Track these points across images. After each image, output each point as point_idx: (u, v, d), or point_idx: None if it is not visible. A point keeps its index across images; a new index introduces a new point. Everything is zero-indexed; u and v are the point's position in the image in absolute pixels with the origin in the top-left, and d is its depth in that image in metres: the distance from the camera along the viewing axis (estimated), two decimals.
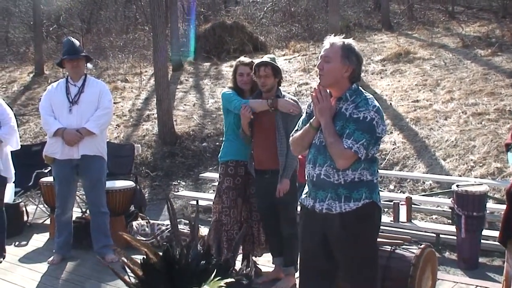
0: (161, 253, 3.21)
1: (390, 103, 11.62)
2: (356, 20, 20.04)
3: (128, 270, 3.28)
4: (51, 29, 25.30)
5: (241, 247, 5.30)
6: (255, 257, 5.56)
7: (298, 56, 16.32)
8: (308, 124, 3.49)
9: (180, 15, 22.04)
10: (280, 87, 5.09)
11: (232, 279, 3.07)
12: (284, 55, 16.90)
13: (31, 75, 19.22)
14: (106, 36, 22.87)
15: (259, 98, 5.06)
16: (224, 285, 2.98)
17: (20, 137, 13.16)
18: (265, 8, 22.82)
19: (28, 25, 24.99)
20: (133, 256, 3.33)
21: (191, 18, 21.02)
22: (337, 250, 3.42)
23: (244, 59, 5.43)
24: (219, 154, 5.48)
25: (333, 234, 3.39)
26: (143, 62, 18.35)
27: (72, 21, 26.52)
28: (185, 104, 14.24)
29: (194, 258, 3.19)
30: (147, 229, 6.68)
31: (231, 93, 5.30)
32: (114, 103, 14.77)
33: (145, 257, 3.21)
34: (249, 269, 3.41)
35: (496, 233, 6.45)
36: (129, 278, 3.30)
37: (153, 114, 13.38)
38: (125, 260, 3.31)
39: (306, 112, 3.64)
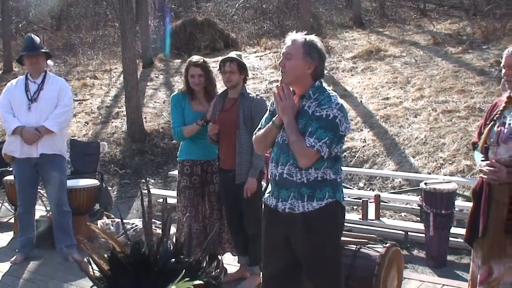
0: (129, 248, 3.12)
1: (361, 101, 11.61)
2: (328, 17, 20.04)
3: (94, 264, 3.18)
4: (20, 25, 24.91)
5: None
6: (219, 256, 5.50)
7: (269, 53, 16.25)
8: (270, 122, 3.41)
9: (151, 11, 21.85)
10: (245, 85, 5.00)
11: (201, 281, 2.98)
12: (255, 52, 16.83)
13: (0, 72, 18.91)
14: (76, 33, 22.59)
15: (224, 98, 4.99)
16: (192, 286, 2.88)
17: None
18: (237, 5, 22.73)
19: None
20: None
21: (166, 14, 20.81)
22: (300, 250, 3.35)
23: (195, 59, 5.30)
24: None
25: (296, 234, 3.32)
26: (112, 59, 18.17)
27: (42, 17, 26.14)
28: (155, 101, 14.09)
29: (163, 256, 3.09)
30: (112, 228, 6.54)
31: (173, 105, 5.32)
32: (83, 100, 14.62)
33: (112, 251, 3.11)
34: (218, 270, 3.30)
35: (464, 231, 6.47)
36: (94, 272, 3.18)
37: (122, 111, 13.22)
38: (89, 252, 3.19)
39: (269, 110, 3.56)
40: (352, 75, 13.44)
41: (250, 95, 4.92)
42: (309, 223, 3.25)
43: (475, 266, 3.62)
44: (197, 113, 5.19)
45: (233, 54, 5.02)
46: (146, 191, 3.54)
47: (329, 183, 3.28)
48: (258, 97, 4.96)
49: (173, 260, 3.09)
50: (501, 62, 3.61)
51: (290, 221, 3.30)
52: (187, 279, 2.91)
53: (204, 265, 3.28)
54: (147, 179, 10.16)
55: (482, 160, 3.52)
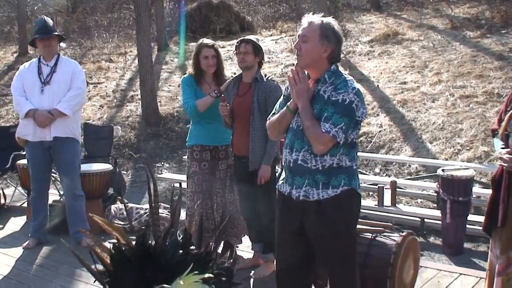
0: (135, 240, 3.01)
1: (377, 85, 11.48)
2: (345, 0, 19.82)
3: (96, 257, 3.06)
4: (36, 8, 24.89)
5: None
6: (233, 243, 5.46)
7: (285, 36, 16.11)
8: (285, 107, 3.32)
9: None
10: (260, 69, 4.92)
11: (210, 275, 2.87)
12: (271, 35, 16.70)
13: (15, 55, 18.94)
14: (91, 15, 22.55)
15: (238, 82, 4.92)
16: (200, 280, 2.78)
17: (2, 117, 13.06)
18: None
19: (12, 4, 24.58)
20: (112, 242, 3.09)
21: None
22: (314, 238, 3.28)
23: (207, 41, 5.26)
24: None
25: (310, 222, 3.24)
26: (128, 41, 18.13)
27: (57, 0, 26.11)
28: (169, 85, 14.04)
29: (171, 247, 2.95)
30: (125, 213, 6.53)
31: (184, 86, 5.25)
32: (98, 83, 14.61)
33: (115, 243, 2.99)
34: (231, 260, 3.16)
35: (482, 218, 6.35)
36: (96, 267, 3.07)
37: (137, 95, 13.18)
38: (94, 245, 3.07)
39: (284, 95, 3.48)
40: (369, 59, 13.28)
41: (265, 79, 4.84)
42: (323, 211, 3.17)
43: (493, 256, 3.53)
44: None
45: (250, 37, 4.96)
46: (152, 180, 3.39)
47: (344, 170, 3.20)
48: (273, 81, 4.87)
49: (181, 251, 2.96)
50: None
51: (304, 208, 3.23)
52: (196, 272, 2.80)
53: (215, 256, 3.14)
54: (149, 166, 10.02)
55: (502, 148, 3.41)
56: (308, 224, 3.26)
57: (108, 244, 3.06)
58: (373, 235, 4.12)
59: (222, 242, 5.35)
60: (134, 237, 3.03)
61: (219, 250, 5.08)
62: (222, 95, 4.85)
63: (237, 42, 4.87)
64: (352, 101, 3.11)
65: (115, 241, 2.98)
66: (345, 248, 3.28)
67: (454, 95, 10.31)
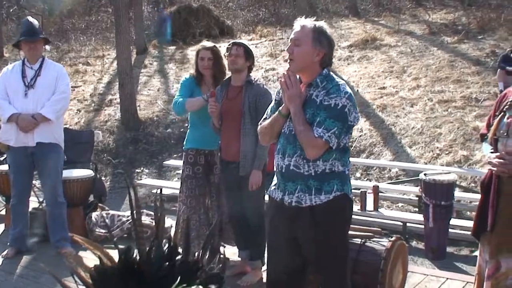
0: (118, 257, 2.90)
1: (357, 90, 11.53)
2: (323, 5, 19.90)
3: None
4: (11, 10, 24.60)
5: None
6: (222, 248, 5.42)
7: (265, 41, 16.12)
8: (277, 112, 3.29)
9: None
10: (250, 74, 4.90)
11: (200, 286, 2.78)
12: (251, 39, 16.69)
13: None
14: (68, 18, 22.34)
15: (227, 86, 4.89)
16: None
17: None
18: None
19: None
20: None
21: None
22: (306, 245, 3.26)
23: (206, 43, 5.33)
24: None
25: (303, 228, 3.22)
26: (105, 44, 17.98)
27: (33, 2, 25.83)
28: (149, 89, 13.94)
29: (156, 260, 2.88)
30: (107, 220, 6.40)
31: (182, 85, 5.26)
32: (75, 87, 14.44)
33: (95, 265, 2.86)
34: (220, 266, 3.06)
35: (463, 222, 6.44)
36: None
37: (115, 98, 13.06)
38: (75, 266, 2.93)
39: (275, 100, 3.45)
40: (348, 64, 13.34)
41: (257, 82, 4.82)
42: (316, 217, 3.15)
43: (482, 260, 3.54)
44: None
45: (240, 40, 5.00)
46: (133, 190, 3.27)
47: (337, 176, 3.19)
48: (263, 85, 4.85)
49: (167, 263, 2.86)
50: (496, 53, 3.51)
51: (296, 215, 3.20)
52: (184, 285, 2.72)
53: (203, 263, 3.05)
54: (128, 175, 9.91)
55: (491, 152, 3.43)
56: (300, 230, 3.23)
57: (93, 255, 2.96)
58: (363, 240, 4.12)
59: (209, 247, 5.31)
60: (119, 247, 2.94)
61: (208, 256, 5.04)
62: (212, 91, 4.80)
63: (229, 45, 4.85)
64: (344, 106, 3.10)
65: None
66: (338, 253, 3.26)
67: (433, 99, 10.40)
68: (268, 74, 13.11)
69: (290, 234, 3.27)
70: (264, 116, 3.46)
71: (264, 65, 13.77)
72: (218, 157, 4.96)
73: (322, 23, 3.23)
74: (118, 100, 12.42)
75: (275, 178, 3.37)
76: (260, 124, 3.45)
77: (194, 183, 5.15)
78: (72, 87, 14.33)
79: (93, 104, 13.40)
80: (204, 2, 20.26)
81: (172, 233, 4.11)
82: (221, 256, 5.47)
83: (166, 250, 2.84)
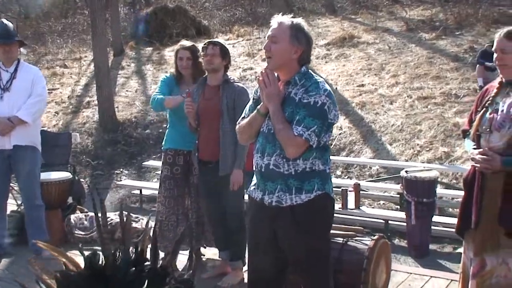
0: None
1: (336, 88, 11.50)
2: (300, 4, 19.88)
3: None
4: None
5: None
6: (200, 248, 5.35)
7: (242, 40, 16.07)
8: (255, 111, 3.22)
9: None
10: (226, 73, 4.83)
11: None
12: (228, 39, 16.60)
13: None
14: (44, 21, 22.10)
15: (203, 85, 4.81)
16: None
17: None
18: None
19: None
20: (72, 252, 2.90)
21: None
22: (288, 245, 3.19)
23: (185, 42, 5.27)
24: None
25: (284, 228, 3.15)
26: (82, 47, 17.81)
27: (9, 6, 25.53)
28: (127, 90, 13.82)
29: (123, 265, 2.70)
30: (85, 222, 6.32)
31: (162, 82, 5.22)
32: (53, 89, 14.29)
33: (60, 271, 2.76)
34: (191, 272, 2.96)
35: (446, 219, 6.42)
36: None
37: (93, 100, 12.92)
38: (38, 272, 2.82)
39: (253, 98, 3.37)
40: (326, 62, 13.32)
41: (234, 82, 4.74)
42: (297, 216, 3.08)
43: (467, 258, 3.50)
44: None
45: (216, 39, 4.92)
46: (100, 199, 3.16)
47: (317, 174, 3.12)
48: (241, 84, 4.78)
49: (134, 269, 2.75)
50: (475, 48, 3.46)
51: (277, 214, 3.13)
52: None
53: (172, 269, 2.94)
54: (97, 189, 9.79)
55: (474, 148, 3.38)
56: (281, 230, 3.16)
57: (73, 254, 2.88)
58: (345, 239, 4.07)
59: (190, 250, 5.26)
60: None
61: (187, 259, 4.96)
62: (188, 91, 4.72)
63: (205, 44, 4.75)
64: (324, 103, 3.04)
65: (63, 263, 2.79)
66: (319, 254, 3.20)
67: (412, 96, 10.41)
68: (246, 74, 13.04)
69: (270, 234, 3.20)
70: (242, 115, 3.39)
71: (242, 65, 13.71)
72: (195, 157, 4.87)
73: (299, 20, 3.16)
74: (96, 102, 12.29)
75: (254, 177, 3.30)
76: (239, 123, 3.37)
77: (172, 184, 5.09)
78: (49, 89, 14.27)
79: (71, 106, 13.26)
80: (181, 2, 20.15)
81: (147, 236, 3.98)
82: (192, 261, 5.41)
83: (133, 256, 2.74)
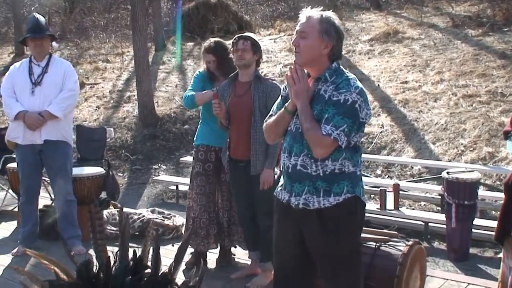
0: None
1: (378, 84, 11.26)
2: None
3: None
4: (33, 8, 24.67)
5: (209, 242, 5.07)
6: (227, 248, 5.25)
7: (284, 35, 15.89)
8: (283, 108, 3.08)
9: None
10: (258, 68, 4.70)
11: None
12: (269, 34, 16.50)
13: (12, 55, 18.74)
14: (88, 16, 22.36)
15: (233, 82, 4.70)
16: None
17: None
18: None
19: (9, 5, 24.40)
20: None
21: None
22: (315, 249, 3.05)
23: (207, 44, 5.14)
24: None
25: (311, 232, 3.01)
26: (125, 42, 17.92)
27: (54, 0, 25.91)
28: (167, 85, 13.83)
29: (120, 274, 2.57)
30: (117, 218, 6.29)
31: (194, 79, 5.19)
32: (95, 84, 14.42)
33: (50, 281, 2.58)
34: (197, 278, 2.78)
35: (487, 222, 6.18)
36: None
37: (133, 95, 12.98)
38: (26, 281, 2.71)
39: (281, 95, 3.24)
40: (369, 58, 13.06)
41: (266, 78, 4.62)
42: (325, 220, 2.94)
43: (506, 266, 3.31)
44: None
45: (247, 33, 4.78)
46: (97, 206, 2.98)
47: (347, 176, 2.96)
48: (273, 80, 4.65)
49: (131, 277, 2.55)
50: None
51: (304, 217, 3.00)
52: None
53: (173, 277, 2.75)
54: (148, 166, 9.73)
55: None
56: (308, 234, 3.03)
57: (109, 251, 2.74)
58: (378, 244, 3.90)
59: (220, 248, 5.19)
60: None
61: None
62: (214, 90, 4.61)
63: (235, 39, 4.64)
64: (355, 101, 2.88)
65: (112, 249, 2.67)
66: (348, 259, 3.04)
67: (457, 94, 10.10)
68: (286, 70, 12.86)
69: (297, 237, 3.07)
70: (270, 113, 3.26)
71: (283, 60, 13.54)
72: (225, 156, 4.76)
73: (329, 13, 3.01)
74: (136, 97, 12.33)
75: (281, 178, 3.17)
76: (266, 121, 3.24)
77: (204, 180, 5.03)
78: (91, 84, 14.45)
79: (112, 101, 13.35)
80: None
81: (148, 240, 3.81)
82: (233, 256, 5.33)
83: (131, 263, 2.57)
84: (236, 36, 4.71)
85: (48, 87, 5.54)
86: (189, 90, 5.11)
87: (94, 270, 2.51)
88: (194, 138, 5.24)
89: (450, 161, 8.28)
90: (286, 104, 3.06)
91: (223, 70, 4.99)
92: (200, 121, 5.27)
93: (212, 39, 5.21)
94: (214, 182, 5.07)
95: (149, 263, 2.62)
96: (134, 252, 2.61)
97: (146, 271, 2.59)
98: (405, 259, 3.74)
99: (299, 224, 3.05)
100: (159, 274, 2.59)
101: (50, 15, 20.63)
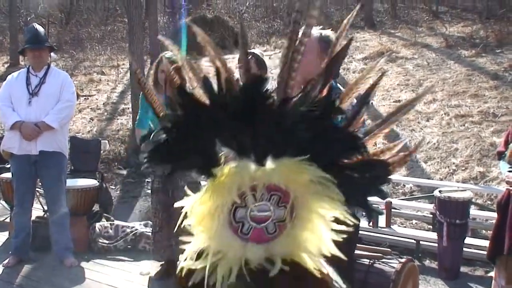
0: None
1: (372, 103, 11.33)
2: (339, 17, 19.76)
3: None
4: (29, 19, 24.69)
5: None
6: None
7: (279, 52, 15.97)
8: None
9: (161, 7, 21.62)
10: None
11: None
12: (265, 51, 16.57)
13: (6, 65, 18.72)
14: (84, 27, 22.41)
15: None
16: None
17: None
18: (247, 2, 22.49)
19: (5, 14, 24.42)
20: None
21: (179, 9, 20.57)
22: None
23: (169, 53, 5.01)
24: None
25: None
26: (121, 54, 17.95)
27: (51, 11, 25.94)
28: None
29: (304, 106, 1.74)
30: (110, 231, 6.28)
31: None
32: (89, 95, 14.42)
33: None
34: None
35: (479, 241, 6.22)
36: None
37: (128, 108, 12.98)
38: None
39: None
40: None
41: None
42: None
43: (497, 285, 3.35)
44: None
45: (253, 50, 4.78)
46: None
47: None
48: None
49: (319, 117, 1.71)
50: None
51: None
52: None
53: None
54: (141, 179, 9.72)
55: (509, 171, 3.24)
56: None
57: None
58: (371, 261, 3.94)
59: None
60: None
61: None
62: None
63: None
64: None
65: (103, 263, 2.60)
66: (342, 275, 3.07)
67: (449, 114, 10.20)
68: None
69: None
70: None
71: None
72: None
73: (328, 32, 3.07)
74: (131, 110, 12.33)
75: None
76: None
77: (163, 195, 5.06)
78: (85, 96, 14.44)
79: (106, 113, 13.35)
80: (219, 13, 20.19)
81: None
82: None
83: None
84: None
85: (45, 97, 5.56)
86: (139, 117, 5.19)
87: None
88: None
89: (441, 180, 8.34)
90: None
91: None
92: None
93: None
94: (172, 196, 5.04)
95: None
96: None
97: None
98: (398, 276, 3.78)
99: None
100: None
101: (46, 26, 20.62)
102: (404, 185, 8.63)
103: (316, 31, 3.05)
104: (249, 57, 4.51)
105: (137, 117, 5.21)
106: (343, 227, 1.76)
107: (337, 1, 21.71)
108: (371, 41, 15.88)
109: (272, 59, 15.26)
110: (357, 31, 17.57)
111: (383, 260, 3.97)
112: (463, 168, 8.54)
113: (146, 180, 10.30)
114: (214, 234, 1.61)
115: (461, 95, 10.92)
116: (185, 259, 1.68)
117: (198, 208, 1.68)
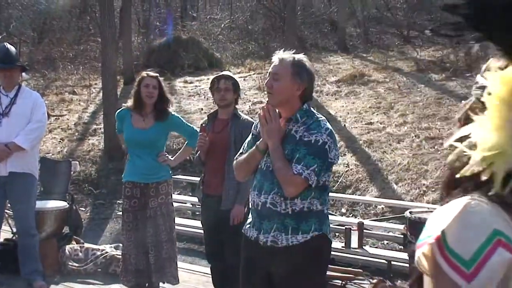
0: None
1: (344, 125, 11.45)
2: (313, 40, 19.98)
3: None
4: (0, 37, 24.48)
5: None
6: (155, 285, 5.19)
7: (254, 74, 16.08)
8: (254, 147, 3.15)
9: (135, 28, 21.61)
10: (236, 106, 4.78)
11: None
12: (239, 72, 16.65)
13: None
14: (57, 47, 22.25)
15: (213, 119, 4.74)
16: None
17: None
18: (222, 24, 22.58)
19: None
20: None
21: (168, 30, 20.60)
22: (282, 286, 3.09)
23: (150, 72, 5.16)
24: None
25: (278, 269, 3.05)
26: (93, 74, 17.86)
27: (23, 30, 25.71)
28: None
29: None
30: (80, 254, 6.17)
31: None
32: (60, 115, 14.28)
33: None
34: None
35: None
36: None
37: (100, 128, 12.90)
38: None
39: (252, 134, 3.31)
40: (336, 99, 13.29)
41: (242, 116, 4.69)
42: (292, 257, 2.99)
43: None
44: (137, 129, 4.98)
45: (226, 72, 4.83)
46: None
47: (315, 215, 3.03)
48: (249, 118, 4.73)
49: None
50: None
51: (272, 254, 3.03)
52: None
53: None
54: (112, 201, 9.66)
55: None
56: (275, 271, 3.07)
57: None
58: (343, 282, 3.96)
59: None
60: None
61: None
62: (203, 126, 4.65)
63: (215, 78, 4.68)
64: (325, 142, 2.97)
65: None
66: None
67: (420, 136, 10.33)
68: (255, 107, 12.99)
69: (264, 275, 3.11)
70: (240, 151, 3.32)
71: (252, 98, 13.69)
72: (199, 191, 4.80)
73: (301, 56, 3.11)
74: (103, 130, 12.26)
75: (250, 216, 3.21)
76: (236, 159, 3.30)
77: (131, 217, 5.06)
78: (56, 115, 14.30)
79: (76, 133, 13.23)
80: (194, 34, 20.25)
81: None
82: None
83: None
84: (219, 74, 4.75)
85: (16, 118, 5.44)
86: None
87: None
88: (123, 175, 5.23)
89: (412, 200, 8.43)
90: (258, 142, 3.13)
91: (157, 100, 5.04)
92: (128, 158, 5.25)
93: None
94: (140, 217, 5.04)
95: None
96: None
97: None
98: None
99: (267, 261, 3.07)
100: None
101: (18, 45, 20.44)
102: (376, 206, 8.70)
103: (288, 55, 3.09)
104: (227, 80, 4.59)
105: (116, 126, 5.26)
106: None
107: (310, 24, 21.90)
108: (344, 64, 16.07)
109: (247, 81, 15.35)
110: (331, 54, 17.78)
111: (355, 281, 4.00)
112: (433, 189, 8.64)
113: (117, 201, 10.23)
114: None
115: (431, 117, 11.08)
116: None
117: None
